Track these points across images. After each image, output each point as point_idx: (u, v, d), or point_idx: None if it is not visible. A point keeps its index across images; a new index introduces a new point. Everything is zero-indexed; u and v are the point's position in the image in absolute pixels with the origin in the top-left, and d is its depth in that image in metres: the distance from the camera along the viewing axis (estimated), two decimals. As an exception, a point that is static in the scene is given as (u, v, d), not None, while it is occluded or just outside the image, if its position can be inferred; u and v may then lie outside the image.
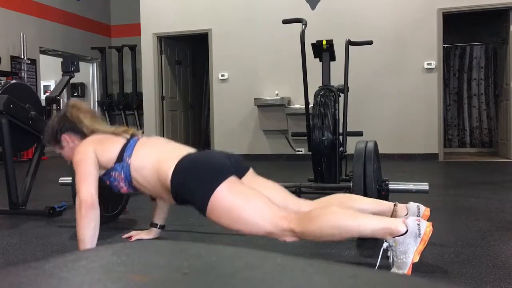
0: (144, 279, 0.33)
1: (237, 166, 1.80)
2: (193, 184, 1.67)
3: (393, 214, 1.84)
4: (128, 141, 1.86)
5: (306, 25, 3.35)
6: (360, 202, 1.87)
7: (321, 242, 1.82)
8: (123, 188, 1.87)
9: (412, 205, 1.89)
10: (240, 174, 1.80)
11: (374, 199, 2.00)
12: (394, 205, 1.88)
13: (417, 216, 1.80)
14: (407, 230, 1.53)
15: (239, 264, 0.36)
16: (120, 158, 1.80)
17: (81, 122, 1.96)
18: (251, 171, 1.89)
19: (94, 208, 1.74)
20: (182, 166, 1.70)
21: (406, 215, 1.84)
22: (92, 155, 1.81)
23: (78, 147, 1.89)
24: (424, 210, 1.87)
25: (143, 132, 2.01)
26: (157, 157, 1.78)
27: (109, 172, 1.84)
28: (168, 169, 1.70)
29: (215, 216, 1.65)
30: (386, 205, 1.90)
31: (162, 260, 0.37)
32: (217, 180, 1.63)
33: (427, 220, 1.77)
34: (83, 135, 1.97)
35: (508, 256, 1.90)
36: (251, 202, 1.63)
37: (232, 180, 1.67)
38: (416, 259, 1.52)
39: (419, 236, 1.52)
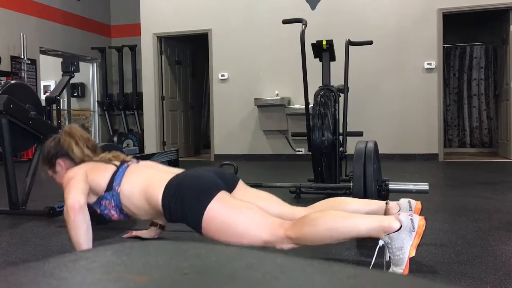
0: (144, 279, 0.33)
1: (226, 181, 1.82)
2: (184, 206, 1.68)
3: (385, 213, 1.84)
4: (118, 168, 1.87)
5: (306, 25, 3.35)
6: (352, 204, 1.87)
7: (319, 246, 1.83)
8: (114, 215, 1.89)
9: (403, 201, 1.88)
10: (231, 188, 1.82)
11: (366, 200, 2.00)
12: (386, 203, 1.88)
13: (409, 211, 1.81)
14: (401, 226, 1.55)
15: (239, 264, 0.36)
16: (110, 186, 1.82)
17: (72, 151, 1.99)
18: (241, 183, 1.92)
19: (82, 212, 1.74)
20: (171, 189, 1.71)
21: (399, 212, 1.84)
22: (83, 172, 1.85)
23: (71, 169, 1.92)
24: (416, 204, 1.87)
25: (135, 156, 2.02)
26: (145, 183, 1.79)
27: (100, 201, 1.86)
28: (157, 194, 1.72)
29: (211, 233, 1.66)
30: (378, 204, 1.91)
31: (162, 260, 0.37)
32: (207, 198, 1.65)
33: (420, 213, 1.78)
34: (76, 162, 2.00)
35: (508, 256, 1.90)
36: (245, 214, 1.64)
37: (222, 195, 1.68)
38: (413, 254, 1.53)
39: (414, 231, 1.53)
